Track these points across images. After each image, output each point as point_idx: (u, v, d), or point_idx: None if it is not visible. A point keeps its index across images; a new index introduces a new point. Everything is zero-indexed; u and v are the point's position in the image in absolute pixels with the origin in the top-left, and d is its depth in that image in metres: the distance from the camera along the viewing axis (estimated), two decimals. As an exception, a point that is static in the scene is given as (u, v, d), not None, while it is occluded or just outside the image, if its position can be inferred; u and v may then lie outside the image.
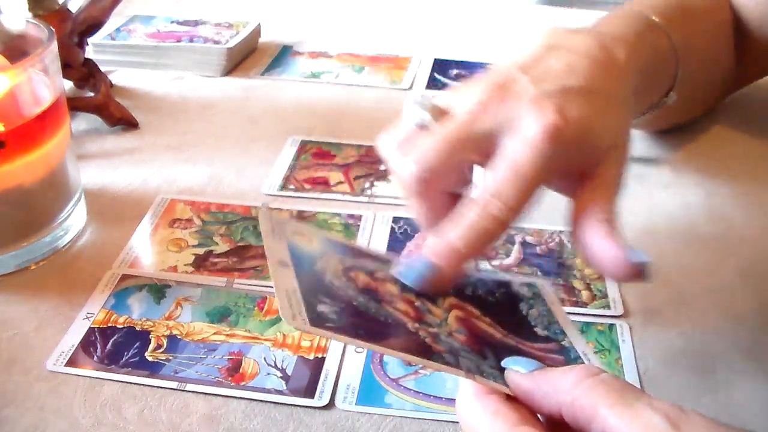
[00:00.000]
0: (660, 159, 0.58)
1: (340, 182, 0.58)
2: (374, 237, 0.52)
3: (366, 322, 0.32)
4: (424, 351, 0.32)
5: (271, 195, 0.57)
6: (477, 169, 0.38)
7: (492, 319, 0.36)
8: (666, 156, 0.59)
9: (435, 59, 0.79)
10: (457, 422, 0.39)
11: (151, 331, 0.44)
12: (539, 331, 0.37)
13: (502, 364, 0.32)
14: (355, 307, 0.33)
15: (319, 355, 0.43)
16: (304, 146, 0.63)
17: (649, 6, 0.54)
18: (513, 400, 0.31)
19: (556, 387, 0.29)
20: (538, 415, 0.30)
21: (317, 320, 0.30)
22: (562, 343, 0.37)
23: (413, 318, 0.34)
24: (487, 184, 0.36)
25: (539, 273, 0.49)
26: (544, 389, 0.30)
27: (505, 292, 0.40)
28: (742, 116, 0.66)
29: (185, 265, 0.49)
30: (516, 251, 0.51)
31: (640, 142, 0.61)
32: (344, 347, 0.43)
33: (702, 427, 0.26)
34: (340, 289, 0.33)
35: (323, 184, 0.58)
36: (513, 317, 0.38)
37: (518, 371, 0.31)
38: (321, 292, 0.32)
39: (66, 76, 0.61)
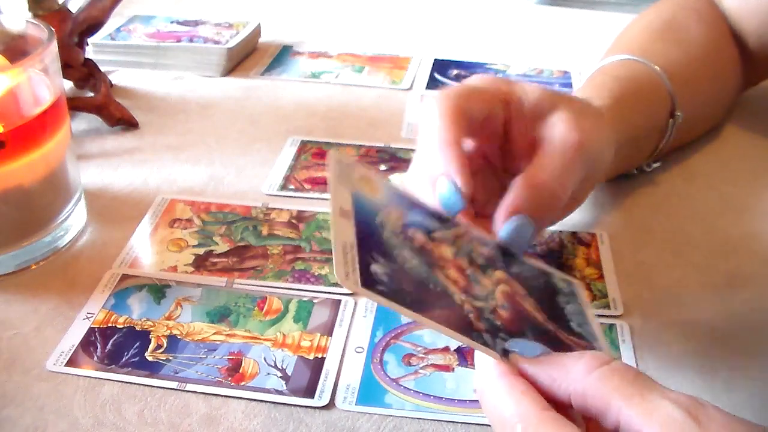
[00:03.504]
0: (664, 159, 0.58)
1: (340, 182, 0.58)
2: (374, 237, 0.52)
3: (414, 289, 0.32)
4: (465, 327, 0.31)
5: (271, 195, 0.57)
6: None
7: (535, 302, 0.36)
8: (670, 156, 0.59)
9: (435, 59, 0.79)
10: (457, 422, 0.39)
11: (151, 331, 0.44)
12: (574, 326, 0.37)
13: (506, 345, 0.32)
14: (407, 270, 0.32)
15: (319, 355, 0.43)
16: (304, 146, 0.63)
17: (640, 49, 0.56)
18: None
19: (566, 374, 0.29)
20: None
21: (369, 282, 0.30)
22: (594, 344, 0.36)
23: (461, 288, 0.33)
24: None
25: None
26: (552, 375, 0.29)
27: (546, 281, 0.39)
28: (745, 117, 0.66)
29: (185, 265, 0.49)
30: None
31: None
32: (344, 347, 0.43)
33: (719, 420, 0.26)
34: (395, 248, 0.33)
35: (323, 184, 0.58)
36: (552, 307, 0.37)
37: (523, 355, 0.31)
38: (377, 249, 0.32)
39: (66, 76, 0.61)
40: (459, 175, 0.37)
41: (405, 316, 0.31)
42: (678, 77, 0.55)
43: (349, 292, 0.47)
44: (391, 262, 0.32)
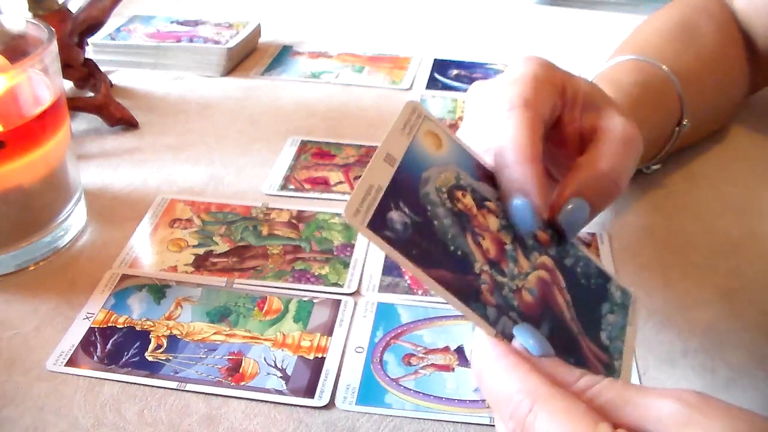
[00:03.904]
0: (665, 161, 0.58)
1: (340, 182, 0.58)
2: (374, 237, 0.52)
3: (429, 245, 0.31)
4: (469, 295, 0.30)
5: (271, 195, 0.57)
6: None
7: (571, 299, 0.35)
8: (670, 157, 0.59)
9: (435, 59, 0.79)
10: (457, 422, 0.39)
11: (151, 331, 0.44)
12: (603, 337, 0.35)
13: (514, 329, 0.31)
14: (432, 226, 0.31)
15: (319, 355, 0.43)
16: (304, 146, 0.63)
17: (653, 51, 0.56)
18: None
19: (560, 382, 0.29)
20: None
21: (377, 224, 0.29)
22: (614, 362, 0.35)
23: (488, 259, 0.32)
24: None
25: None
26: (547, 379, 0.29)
27: (600, 284, 0.38)
28: (745, 117, 0.66)
29: (185, 265, 0.49)
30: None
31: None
32: (344, 347, 0.43)
33: (722, 410, 0.26)
34: (429, 203, 0.32)
35: (323, 184, 0.58)
36: (590, 310, 0.36)
37: (527, 346, 0.30)
38: (407, 200, 0.31)
39: (66, 76, 0.61)
40: (538, 197, 0.35)
41: (403, 267, 0.30)
42: (689, 83, 0.55)
43: (350, 292, 0.47)
44: (419, 215, 0.31)
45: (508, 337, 0.31)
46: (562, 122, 0.40)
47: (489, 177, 0.36)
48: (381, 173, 0.31)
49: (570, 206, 0.36)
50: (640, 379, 0.41)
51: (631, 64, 0.55)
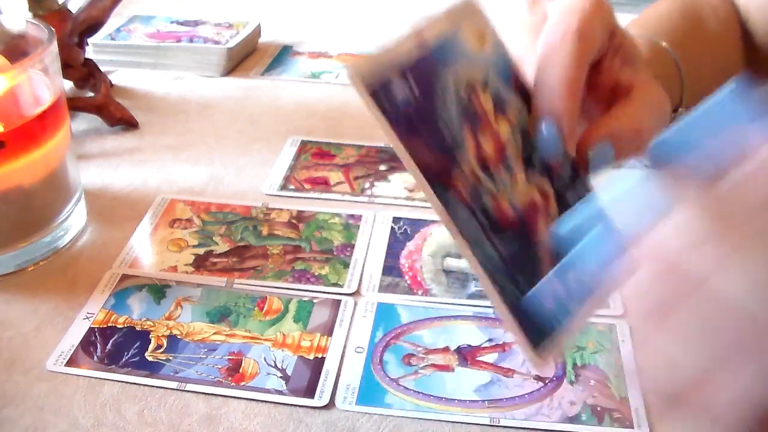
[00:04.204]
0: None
1: (340, 182, 0.58)
2: (374, 237, 0.52)
3: (424, 129, 0.30)
4: (442, 183, 0.30)
5: (271, 195, 0.57)
6: None
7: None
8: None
9: (435, 59, 0.79)
10: (457, 422, 0.39)
11: (151, 331, 0.44)
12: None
13: (477, 236, 0.30)
14: (434, 115, 0.31)
15: (319, 355, 0.43)
16: (304, 146, 0.63)
17: (659, 30, 0.56)
18: None
19: None
20: None
21: (378, 93, 0.28)
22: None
23: (482, 159, 0.32)
24: None
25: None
26: None
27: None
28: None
29: (185, 265, 0.49)
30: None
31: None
32: (344, 347, 0.43)
33: None
34: (442, 91, 0.31)
35: (323, 184, 0.58)
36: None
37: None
38: (420, 82, 0.30)
39: (66, 76, 0.61)
40: (568, 124, 0.35)
41: (387, 137, 0.29)
42: (690, 65, 0.54)
43: (350, 292, 0.47)
44: (425, 99, 0.30)
45: (470, 233, 0.30)
46: (601, 66, 0.40)
47: (522, 90, 0.36)
48: (402, 51, 0.30)
49: (599, 146, 0.37)
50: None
51: (645, 42, 0.54)
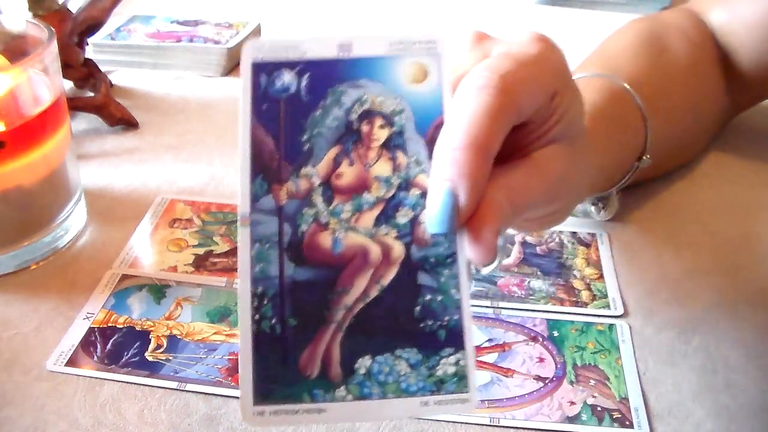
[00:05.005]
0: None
1: (340, 182, 0.58)
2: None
3: (285, 123, 0.30)
4: (267, 179, 0.30)
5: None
6: None
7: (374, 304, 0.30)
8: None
9: (435, 59, 0.79)
10: (457, 422, 0.39)
11: (151, 331, 0.44)
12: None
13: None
14: (305, 117, 0.31)
15: (319, 355, 0.42)
16: (304, 146, 0.63)
17: (620, 67, 0.52)
18: None
19: None
20: None
21: (259, 67, 0.30)
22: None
23: (332, 188, 0.31)
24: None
25: (539, 273, 0.49)
26: None
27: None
28: (745, 116, 0.66)
29: (185, 265, 0.49)
30: (516, 251, 0.51)
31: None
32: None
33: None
34: (328, 105, 0.31)
35: (323, 184, 0.58)
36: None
37: None
38: (314, 79, 0.31)
39: (66, 76, 0.61)
40: (470, 194, 0.29)
41: (240, 113, 0.30)
42: (654, 100, 0.51)
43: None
44: (307, 99, 0.30)
45: (261, 236, 0.29)
46: (526, 126, 0.33)
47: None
48: (319, 48, 0.31)
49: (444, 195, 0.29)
50: (640, 379, 0.41)
51: (598, 83, 0.50)
